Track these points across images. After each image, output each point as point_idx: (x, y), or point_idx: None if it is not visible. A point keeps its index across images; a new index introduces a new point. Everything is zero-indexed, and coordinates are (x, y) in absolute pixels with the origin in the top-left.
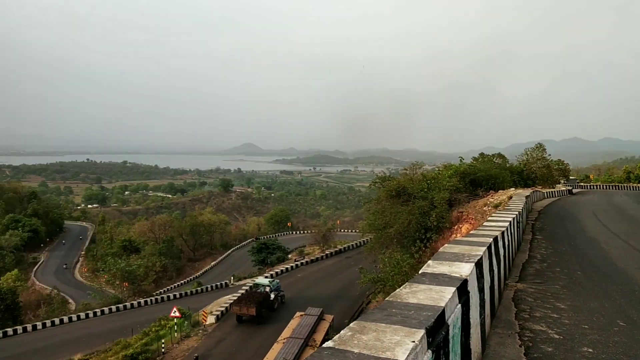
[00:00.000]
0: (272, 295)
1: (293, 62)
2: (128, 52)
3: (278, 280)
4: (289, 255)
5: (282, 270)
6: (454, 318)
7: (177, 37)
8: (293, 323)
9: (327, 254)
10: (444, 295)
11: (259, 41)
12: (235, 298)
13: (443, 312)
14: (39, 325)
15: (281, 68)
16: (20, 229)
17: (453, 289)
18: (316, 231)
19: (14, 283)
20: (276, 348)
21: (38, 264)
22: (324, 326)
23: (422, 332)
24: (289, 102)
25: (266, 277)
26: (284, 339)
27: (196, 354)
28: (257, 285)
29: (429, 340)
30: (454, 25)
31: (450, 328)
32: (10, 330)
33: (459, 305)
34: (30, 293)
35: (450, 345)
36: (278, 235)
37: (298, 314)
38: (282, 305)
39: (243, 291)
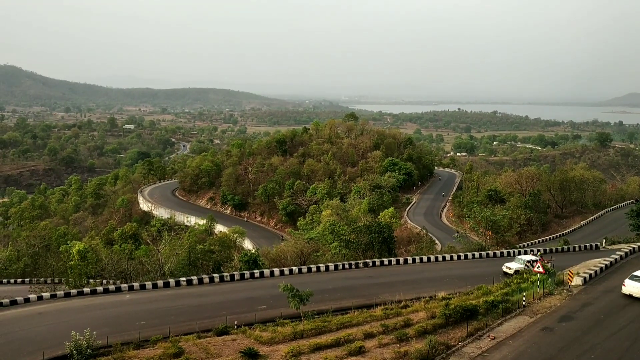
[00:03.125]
0: None
1: None
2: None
3: None
4: None
5: None
6: None
7: None
8: None
9: None
10: None
11: None
12: None
13: None
14: (410, 260)
15: None
16: (397, 171)
17: None
18: None
19: (390, 219)
20: None
21: (410, 205)
22: None
23: None
24: None
25: None
26: None
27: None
28: None
29: None
30: None
31: None
32: (386, 261)
33: None
34: (403, 230)
35: None
36: None
37: None
38: None
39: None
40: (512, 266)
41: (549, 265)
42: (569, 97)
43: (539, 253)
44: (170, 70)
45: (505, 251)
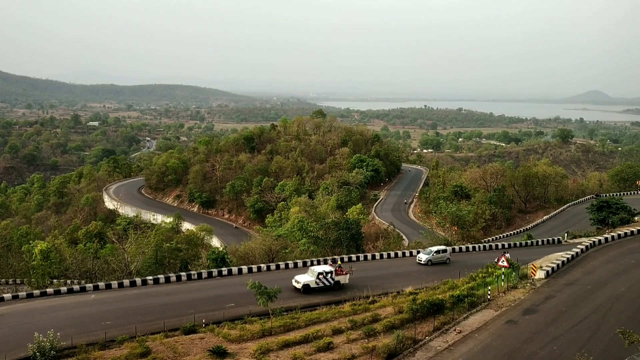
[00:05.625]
0: None
1: None
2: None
3: None
4: (635, 218)
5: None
6: None
7: None
8: None
9: None
10: None
11: None
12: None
13: None
14: (377, 255)
15: None
16: (364, 168)
17: None
18: None
19: (357, 216)
20: None
21: (378, 201)
22: None
23: None
24: None
25: None
26: None
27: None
28: None
29: None
30: None
31: None
32: (354, 256)
33: None
34: (371, 226)
35: None
36: (623, 194)
37: None
38: None
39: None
40: (300, 279)
41: (347, 276)
42: (532, 94)
43: (337, 263)
44: (135, 67)
45: (470, 246)
